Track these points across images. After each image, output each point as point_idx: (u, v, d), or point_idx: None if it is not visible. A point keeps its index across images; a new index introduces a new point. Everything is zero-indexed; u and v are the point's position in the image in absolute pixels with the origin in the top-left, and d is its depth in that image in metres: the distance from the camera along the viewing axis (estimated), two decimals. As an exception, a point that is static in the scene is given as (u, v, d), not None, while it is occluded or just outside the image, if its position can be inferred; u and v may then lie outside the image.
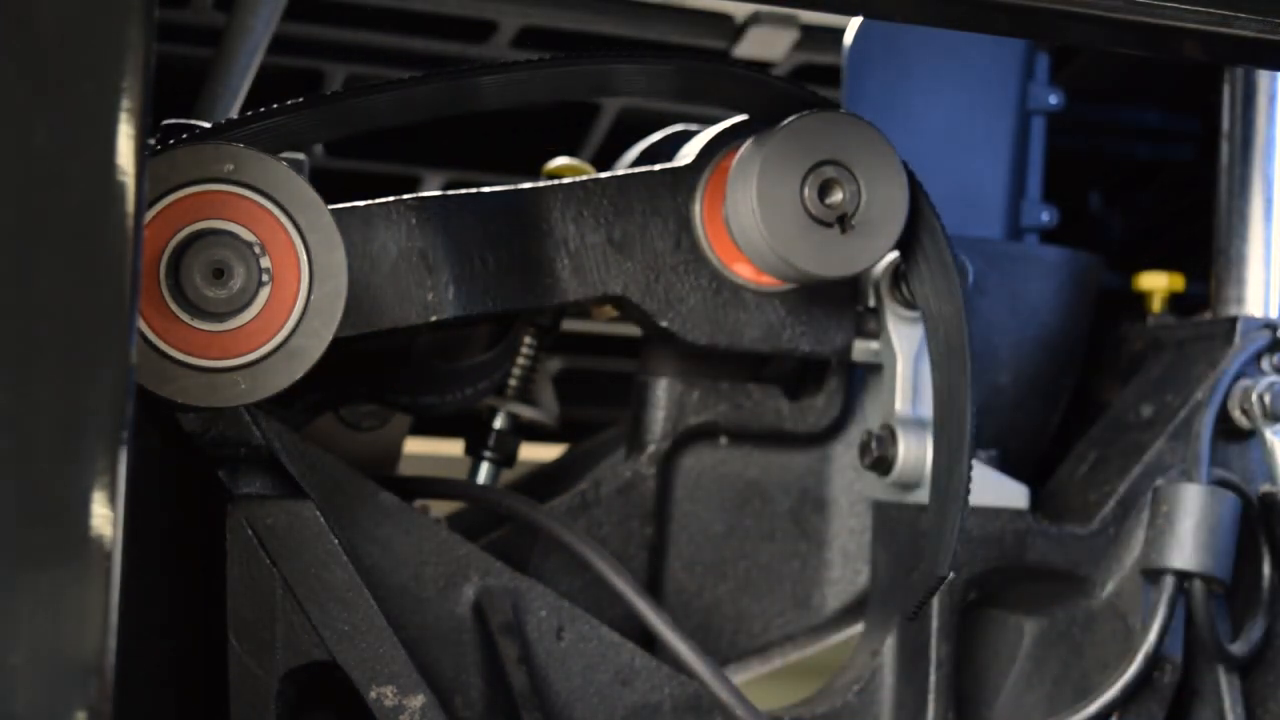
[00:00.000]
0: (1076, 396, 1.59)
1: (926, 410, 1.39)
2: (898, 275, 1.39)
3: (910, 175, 1.31)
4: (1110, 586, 1.41)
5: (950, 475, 1.26)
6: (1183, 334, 1.50)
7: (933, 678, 1.36)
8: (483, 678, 1.31)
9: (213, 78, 1.65)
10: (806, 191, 1.29)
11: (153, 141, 1.15)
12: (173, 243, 1.12)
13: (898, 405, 1.39)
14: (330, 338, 1.15)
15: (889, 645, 1.40)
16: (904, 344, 1.40)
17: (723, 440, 1.46)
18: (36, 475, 0.85)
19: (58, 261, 0.86)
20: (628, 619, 1.36)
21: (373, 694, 1.21)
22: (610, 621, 1.36)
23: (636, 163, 1.49)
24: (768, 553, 1.47)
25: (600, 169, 1.50)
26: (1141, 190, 1.95)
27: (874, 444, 1.39)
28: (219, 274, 1.13)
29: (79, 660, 0.85)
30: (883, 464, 1.38)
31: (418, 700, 1.21)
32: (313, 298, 1.14)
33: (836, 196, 1.30)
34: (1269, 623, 1.41)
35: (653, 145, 1.50)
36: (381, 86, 1.21)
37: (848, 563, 1.48)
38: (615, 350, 2.04)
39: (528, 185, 1.35)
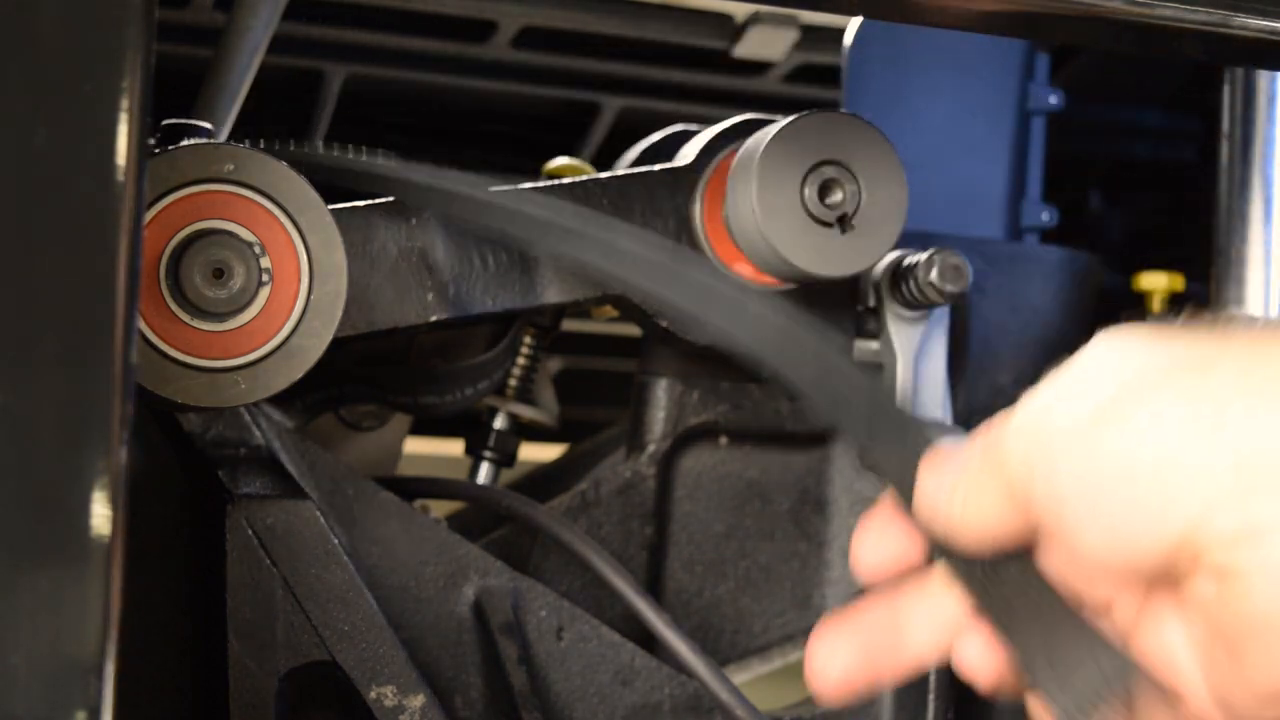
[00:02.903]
0: (1077, 396, 1.58)
1: (926, 410, 1.39)
2: (897, 275, 1.39)
3: None
4: (1110, 586, 1.41)
5: None
6: (1182, 334, 1.49)
7: (933, 678, 1.36)
8: (483, 678, 1.31)
9: (213, 78, 1.64)
10: (806, 191, 1.29)
11: (152, 142, 1.15)
12: (173, 243, 1.12)
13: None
14: (330, 338, 1.15)
15: (889, 645, 1.40)
16: (904, 344, 1.40)
17: (723, 440, 1.46)
18: (36, 475, 0.85)
19: (58, 261, 0.86)
20: (628, 619, 1.36)
21: (373, 694, 1.21)
22: (610, 621, 1.36)
23: (636, 163, 1.48)
24: (768, 553, 1.47)
25: (600, 169, 1.49)
26: (1141, 190, 1.95)
27: (874, 444, 1.38)
28: (219, 274, 1.13)
29: (79, 660, 0.85)
30: (883, 464, 1.38)
31: (418, 700, 1.21)
32: (313, 298, 1.14)
33: (836, 196, 1.30)
34: (1269, 623, 1.41)
35: (653, 145, 1.50)
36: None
37: (848, 563, 1.48)
38: (615, 350, 2.03)
39: (528, 185, 1.35)
